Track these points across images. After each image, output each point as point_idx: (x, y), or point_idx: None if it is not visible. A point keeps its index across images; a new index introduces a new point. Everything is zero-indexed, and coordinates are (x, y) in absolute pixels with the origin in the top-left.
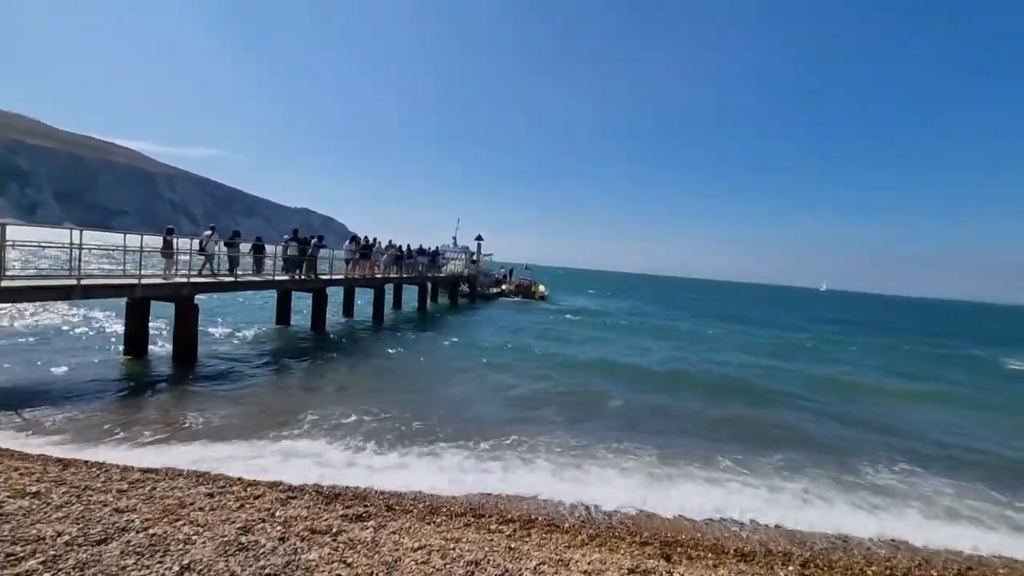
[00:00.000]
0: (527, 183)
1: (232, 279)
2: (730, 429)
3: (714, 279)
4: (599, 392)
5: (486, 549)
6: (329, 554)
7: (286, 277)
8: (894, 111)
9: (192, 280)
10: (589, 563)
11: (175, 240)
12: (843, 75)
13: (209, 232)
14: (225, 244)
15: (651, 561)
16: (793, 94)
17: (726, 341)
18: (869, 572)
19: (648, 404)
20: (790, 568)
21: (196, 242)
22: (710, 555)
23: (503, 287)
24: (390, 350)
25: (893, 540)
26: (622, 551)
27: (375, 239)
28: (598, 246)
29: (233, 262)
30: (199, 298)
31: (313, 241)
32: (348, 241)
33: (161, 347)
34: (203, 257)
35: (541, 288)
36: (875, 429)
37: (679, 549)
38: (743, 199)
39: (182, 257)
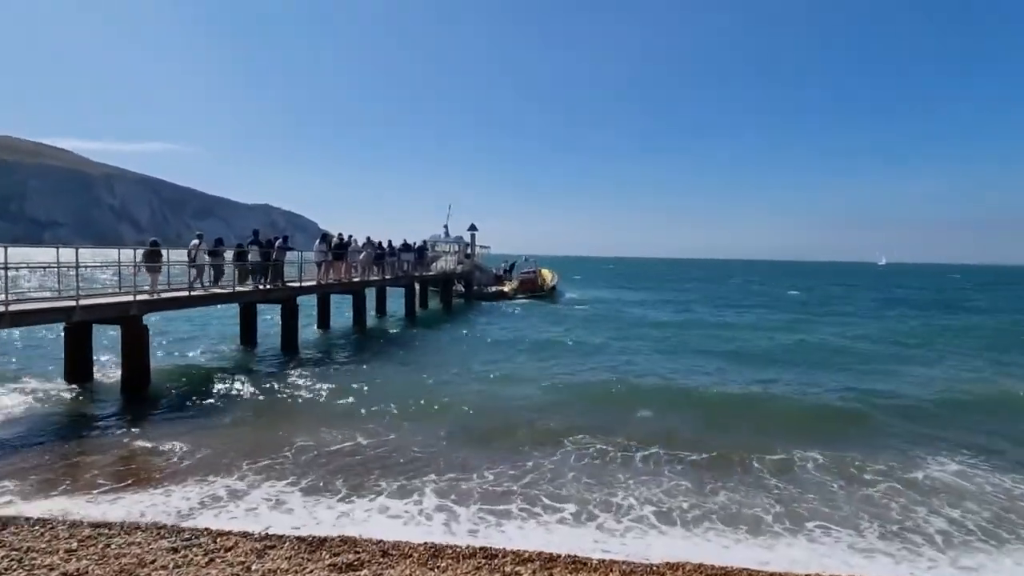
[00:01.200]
0: (525, 161)
1: (186, 295)
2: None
3: (748, 258)
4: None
5: None
6: None
7: (249, 287)
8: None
9: (139, 299)
10: None
11: (165, 252)
12: None
13: (197, 241)
14: (208, 253)
15: None
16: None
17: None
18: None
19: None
20: None
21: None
22: None
23: (505, 286)
24: (378, 380)
25: None
26: None
27: (351, 236)
28: (609, 232)
29: (218, 273)
30: (150, 318)
31: (278, 243)
32: (318, 240)
33: (107, 376)
34: (193, 270)
35: (547, 276)
36: None
37: None
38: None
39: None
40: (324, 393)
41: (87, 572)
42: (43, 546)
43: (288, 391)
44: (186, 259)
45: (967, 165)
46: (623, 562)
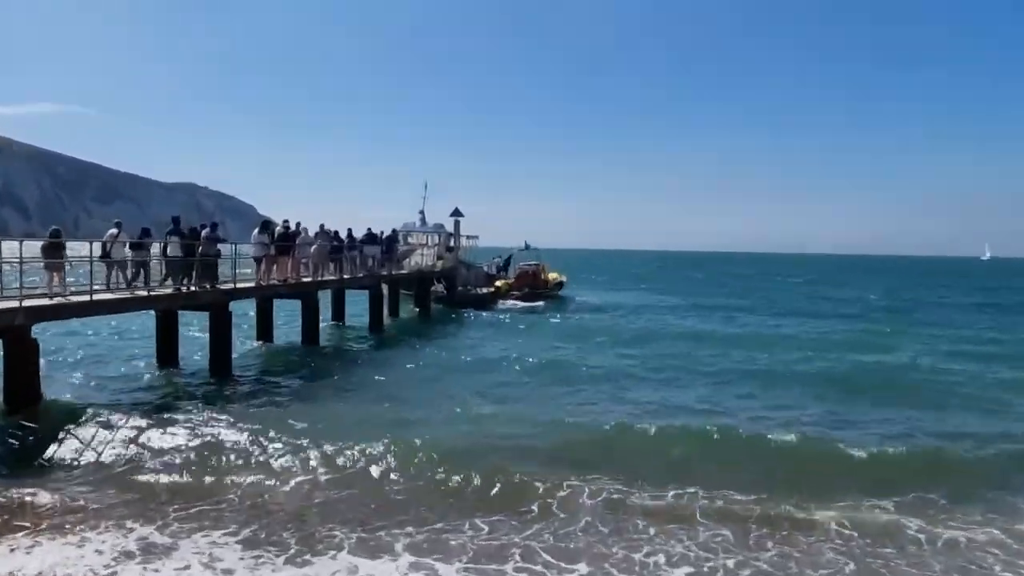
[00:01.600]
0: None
1: (87, 299)
2: None
3: (794, 252)
4: None
5: None
6: None
7: (168, 290)
8: None
9: (26, 305)
10: None
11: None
12: None
13: (115, 231)
14: (131, 246)
15: None
16: None
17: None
18: None
19: None
20: None
21: (96, 245)
22: None
23: (499, 284)
24: (337, 409)
25: None
26: None
27: (299, 225)
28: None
29: (144, 271)
30: (39, 329)
31: (204, 232)
32: (258, 230)
33: None
34: (106, 264)
35: (553, 275)
36: None
37: None
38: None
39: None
40: (264, 428)
41: None
42: None
43: (218, 427)
44: (97, 253)
45: None
46: None
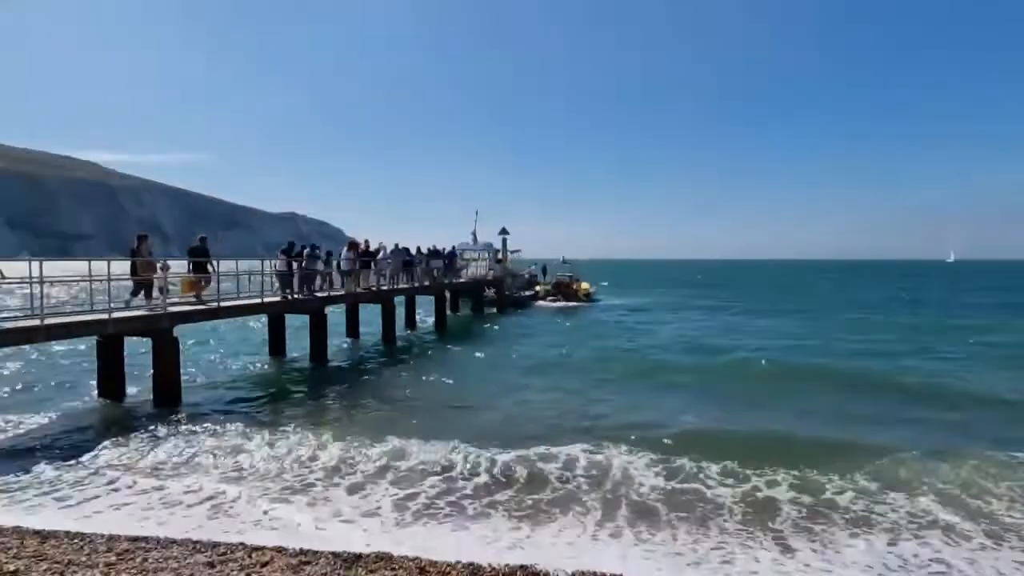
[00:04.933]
0: (549, 162)
1: (216, 306)
2: None
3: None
4: None
5: None
6: None
7: (276, 299)
8: None
9: (170, 311)
10: None
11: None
12: None
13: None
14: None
15: None
16: None
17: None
18: None
19: None
20: None
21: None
22: None
23: (537, 288)
24: (408, 390)
25: None
26: None
27: (380, 243)
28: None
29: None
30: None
31: (306, 252)
32: (346, 248)
33: (138, 389)
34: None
35: (584, 285)
36: None
37: None
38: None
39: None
40: (351, 409)
41: None
42: (83, 559)
43: (319, 406)
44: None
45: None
46: None
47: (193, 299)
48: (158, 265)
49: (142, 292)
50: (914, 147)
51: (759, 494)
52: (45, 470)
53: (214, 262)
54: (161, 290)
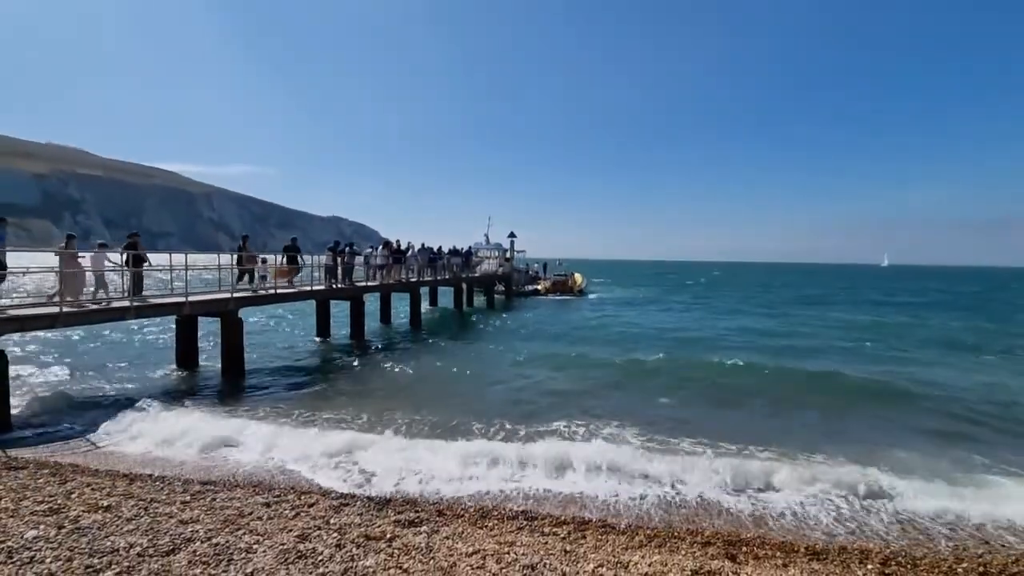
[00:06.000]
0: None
1: (273, 291)
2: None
3: (713, 260)
4: None
5: (541, 552)
6: (385, 560)
7: (323, 287)
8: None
9: (236, 295)
10: (649, 565)
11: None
12: None
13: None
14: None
15: (715, 562)
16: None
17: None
18: (959, 570)
19: None
20: (868, 566)
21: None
22: (779, 554)
23: (539, 285)
24: (438, 361)
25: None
26: (683, 552)
27: (408, 243)
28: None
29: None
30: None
31: (347, 249)
32: (381, 247)
33: (209, 361)
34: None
35: (578, 279)
36: None
37: (744, 548)
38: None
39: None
40: (385, 375)
41: (199, 520)
42: (164, 498)
43: (359, 373)
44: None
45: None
46: (648, 527)
47: (285, 284)
48: (258, 258)
49: (246, 277)
50: (856, 161)
51: None
52: (133, 424)
53: (303, 257)
54: (262, 277)
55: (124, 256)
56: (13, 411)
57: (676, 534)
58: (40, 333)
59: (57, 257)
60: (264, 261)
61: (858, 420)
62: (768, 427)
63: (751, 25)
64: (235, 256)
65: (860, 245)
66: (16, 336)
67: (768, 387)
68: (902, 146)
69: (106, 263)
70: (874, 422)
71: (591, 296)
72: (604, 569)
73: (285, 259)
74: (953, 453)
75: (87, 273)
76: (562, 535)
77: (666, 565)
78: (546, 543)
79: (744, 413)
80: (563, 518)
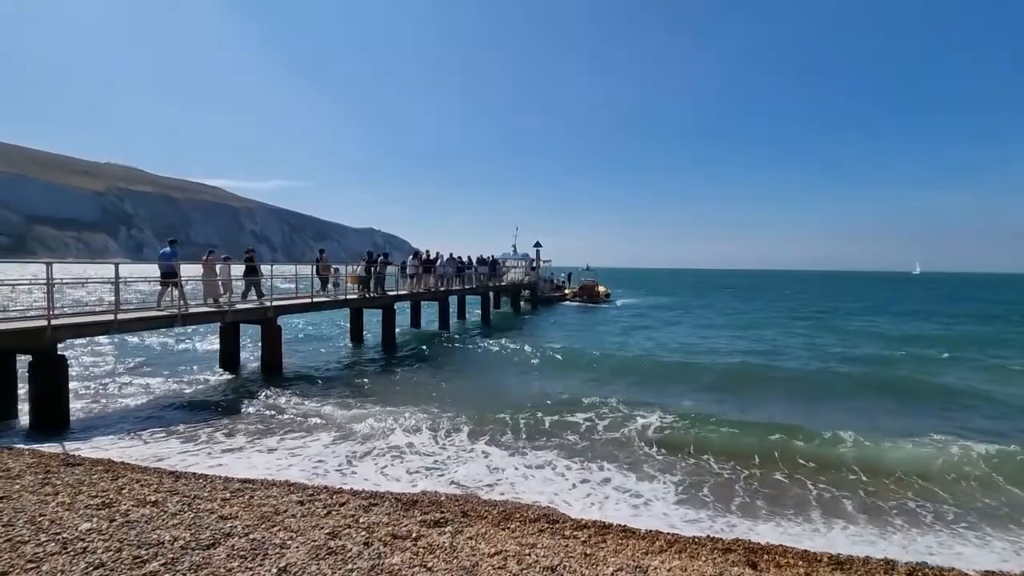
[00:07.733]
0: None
1: (310, 300)
2: None
3: (765, 269)
4: None
5: (561, 555)
6: (410, 558)
7: (356, 295)
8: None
9: (275, 304)
10: (669, 570)
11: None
12: None
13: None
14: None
15: (735, 569)
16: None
17: None
18: None
19: None
20: None
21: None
22: (801, 563)
23: (564, 291)
24: (469, 364)
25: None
26: (703, 558)
27: (437, 253)
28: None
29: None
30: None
31: (380, 259)
32: (411, 257)
33: (250, 364)
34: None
35: (602, 288)
36: None
37: (765, 556)
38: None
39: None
40: (414, 378)
41: (237, 516)
42: (206, 495)
43: (389, 377)
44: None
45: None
46: (668, 533)
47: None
48: (332, 268)
49: (328, 285)
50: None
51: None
52: (178, 425)
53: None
54: (335, 284)
55: (245, 266)
56: (72, 411)
57: (696, 540)
58: (99, 338)
59: (201, 268)
60: (336, 271)
61: None
62: None
63: (774, 26)
64: (314, 267)
65: (889, 252)
66: (80, 341)
67: None
68: (929, 153)
69: (231, 271)
70: None
71: (618, 303)
72: (623, 573)
73: (363, 267)
74: None
75: (218, 281)
76: (582, 538)
77: (686, 571)
78: (566, 546)
79: None
80: (584, 522)
